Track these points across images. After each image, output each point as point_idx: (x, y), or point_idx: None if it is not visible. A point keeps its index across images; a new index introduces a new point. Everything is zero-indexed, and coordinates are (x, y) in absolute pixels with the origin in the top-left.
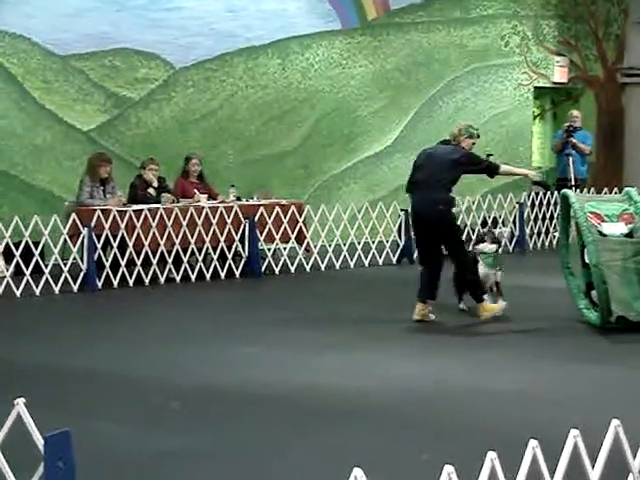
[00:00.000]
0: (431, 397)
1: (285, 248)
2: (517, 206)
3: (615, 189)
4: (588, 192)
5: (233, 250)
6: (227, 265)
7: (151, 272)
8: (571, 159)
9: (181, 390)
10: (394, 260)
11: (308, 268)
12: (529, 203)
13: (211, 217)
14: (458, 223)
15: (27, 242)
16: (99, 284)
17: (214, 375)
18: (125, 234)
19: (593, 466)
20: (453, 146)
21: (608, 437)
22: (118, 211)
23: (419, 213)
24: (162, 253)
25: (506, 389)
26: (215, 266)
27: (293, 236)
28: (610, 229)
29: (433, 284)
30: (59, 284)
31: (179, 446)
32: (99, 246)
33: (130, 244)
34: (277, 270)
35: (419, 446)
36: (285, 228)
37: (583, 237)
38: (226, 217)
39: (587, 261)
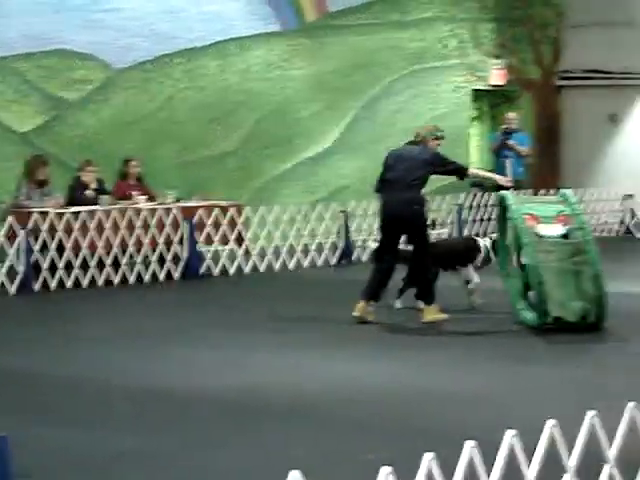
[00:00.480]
0: (372, 397)
1: (224, 250)
2: (455, 208)
3: (552, 191)
4: (525, 194)
5: (172, 252)
6: (166, 267)
7: (89, 274)
8: (508, 161)
9: (125, 392)
10: (333, 261)
11: (247, 270)
12: (467, 205)
13: (150, 219)
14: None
15: None
16: (36, 287)
17: (157, 376)
18: (63, 236)
19: (529, 465)
20: (421, 147)
21: (544, 437)
22: (56, 213)
23: (392, 212)
24: (100, 255)
25: (445, 390)
26: (154, 268)
27: (232, 238)
28: (546, 230)
29: (382, 285)
30: None
31: (127, 447)
32: (36, 248)
33: (68, 246)
34: (216, 272)
35: (362, 447)
36: (224, 230)
37: (520, 238)
38: (165, 219)
39: (524, 262)
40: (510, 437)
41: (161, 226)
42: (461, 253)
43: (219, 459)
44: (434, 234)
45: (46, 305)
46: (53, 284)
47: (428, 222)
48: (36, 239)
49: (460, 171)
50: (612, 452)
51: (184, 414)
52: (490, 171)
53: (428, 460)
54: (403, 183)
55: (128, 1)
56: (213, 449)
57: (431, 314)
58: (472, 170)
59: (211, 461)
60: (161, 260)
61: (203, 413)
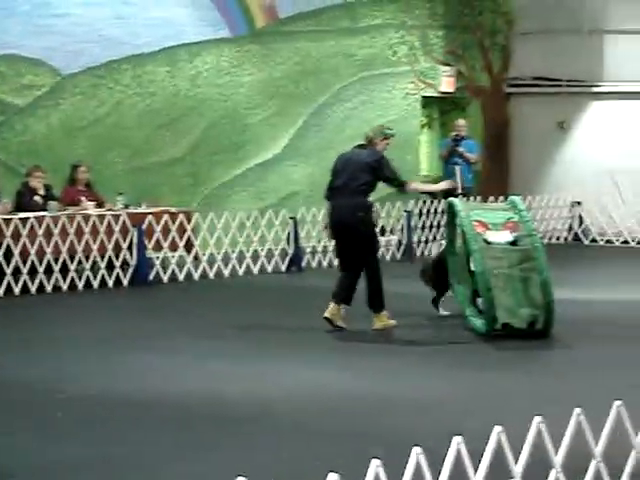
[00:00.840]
0: (319, 404)
1: (173, 256)
2: (405, 214)
3: (500, 198)
4: (474, 200)
5: (121, 258)
6: (115, 273)
7: (37, 281)
8: (458, 168)
9: (70, 399)
10: (283, 268)
11: (197, 276)
12: (416, 211)
13: (99, 225)
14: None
15: None
16: None
17: (103, 383)
18: (11, 242)
19: (476, 471)
20: (369, 150)
21: (491, 443)
22: (3, 219)
23: (337, 220)
24: (49, 261)
25: (396, 396)
26: (103, 274)
27: (182, 244)
28: (495, 237)
29: (351, 288)
30: None
31: (68, 455)
32: None
33: (16, 252)
34: (165, 278)
35: (312, 453)
36: (173, 236)
37: (469, 245)
38: (114, 225)
39: (473, 269)
40: (457, 443)
41: (110, 232)
42: None
43: (176, 466)
44: (383, 241)
45: None
46: (1, 290)
47: (376, 229)
48: None
49: (399, 184)
50: (558, 457)
51: (136, 422)
52: (439, 178)
53: (375, 466)
54: (349, 189)
55: (77, 7)
56: (169, 456)
57: (381, 321)
58: (412, 185)
59: (167, 468)
60: (110, 266)
61: (155, 421)
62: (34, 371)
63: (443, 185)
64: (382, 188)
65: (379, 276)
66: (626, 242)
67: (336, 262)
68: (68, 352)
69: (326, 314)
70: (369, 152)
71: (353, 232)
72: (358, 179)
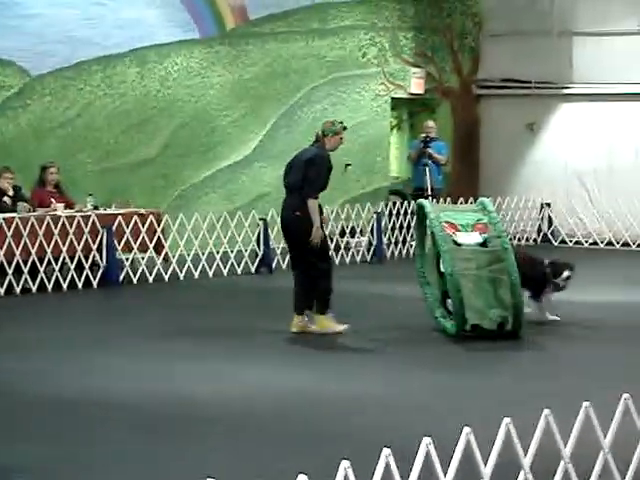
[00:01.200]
0: (289, 406)
1: (143, 257)
2: (375, 215)
3: (470, 199)
4: (444, 202)
5: (91, 259)
6: (84, 275)
7: (6, 282)
8: (427, 169)
9: (34, 400)
10: (253, 269)
11: (167, 277)
12: (386, 212)
13: (68, 226)
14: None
15: None
16: None
17: (68, 385)
18: None
19: (445, 473)
20: (316, 147)
21: (460, 444)
22: None
23: (281, 219)
24: (18, 263)
25: (365, 397)
26: (72, 276)
27: (151, 245)
28: (465, 239)
29: (305, 294)
30: None
31: (31, 457)
32: None
33: None
34: (135, 279)
35: (279, 456)
36: (143, 237)
37: (438, 246)
38: (83, 226)
39: (442, 270)
40: (426, 444)
41: (79, 233)
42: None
43: (135, 470)
44: (353, 242)
45: None
46: None
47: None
48: None
49: (305, 193)
50: (527, 459)
51: (99, 422)
52: (408, 179)
53: (344, 468)
54: (290, 188)
55: (47, 7)
56: (129, 459)
57: (324, 324)
58: (311, 203)
59: (127, 472)
60: (79, 267)
61: (120, 423)
62: None
63: (318, 231)
64: (352, 189)
65: (325, 278)
66: (595, 244)
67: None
68: (36, 353)
69: (293, 329)
70: (313, 150)
71: (291, 231)
72: (297, 178)
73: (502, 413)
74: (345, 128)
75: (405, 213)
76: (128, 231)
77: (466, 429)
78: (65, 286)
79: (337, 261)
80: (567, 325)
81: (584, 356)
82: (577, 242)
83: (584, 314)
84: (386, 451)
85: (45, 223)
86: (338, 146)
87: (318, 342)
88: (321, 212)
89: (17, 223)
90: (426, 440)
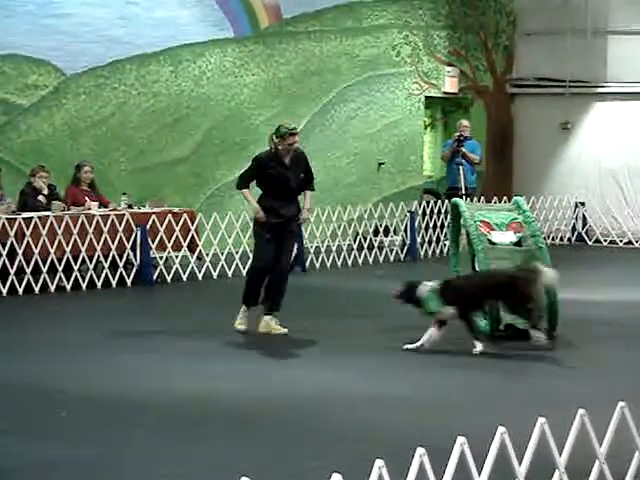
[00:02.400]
0: (319, 405)
1: (177, 256)
2: (408, 215)
3: (504, 198)
4: (478, 201)
5: (125, 258)
6: (118, 273)
7: (41, 280)
8: (461, 168)
9: (69, 399)
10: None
11: (200, 276)
12: (420, 212)
13: (102, 225)
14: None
15: None
16: None
17: (102, 384)
18: (14, 242)
19: (480, 473)
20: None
21: (494, 444)
22: (7, 219)
23: None
24: (52, 261)
25: (395, 396)
26: (106, 274)
27: (185, 244)
28: (499, 238)
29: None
30: None
31: (64, 455)
32: None
33: (20, 252)
34: (169, 278)
35: (309, 454)
36: (177, 236)
37: (473, 246)
38: (118, 225)
39: (477, 269)
40: (460, 444)
41: (113, 232)
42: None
43: (165, 469)
44: (387, 241)
45: None
46: (5, 290)
47: (256, 228)
48: None
49: (237, 183)
50: (562, 459)
51: (125, 422)
52: (442, 178)
53: (378, 467)
54: None
55: (81, 7)
56: (159, 459)
57: (269, 326)
58: (245, 192)
59: (158, 471)
60: (113, 266)
61: (149, 421)
62: (30, 371)
63: (258, 212)
64: (386, 188)
65: (251, 275)
66: (630, 243)
67: None
68: (70, 352)
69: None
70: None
71: None
72: None
73: (536, 413)
74: (292, 133)
75: (439, 212)
76: (162, 230)
77: (500, 428)
78: (99, 285)
79: (371, 260)
80: (601, 325)
81: (618, 356)
82: (611, 241)
83: (618, 314)
84: (420, 450)
85: (79, 222)
86: (287, 148)
87: (349, 342)
88: (274, 211)
89: (52, 222)
90: (460, 439)
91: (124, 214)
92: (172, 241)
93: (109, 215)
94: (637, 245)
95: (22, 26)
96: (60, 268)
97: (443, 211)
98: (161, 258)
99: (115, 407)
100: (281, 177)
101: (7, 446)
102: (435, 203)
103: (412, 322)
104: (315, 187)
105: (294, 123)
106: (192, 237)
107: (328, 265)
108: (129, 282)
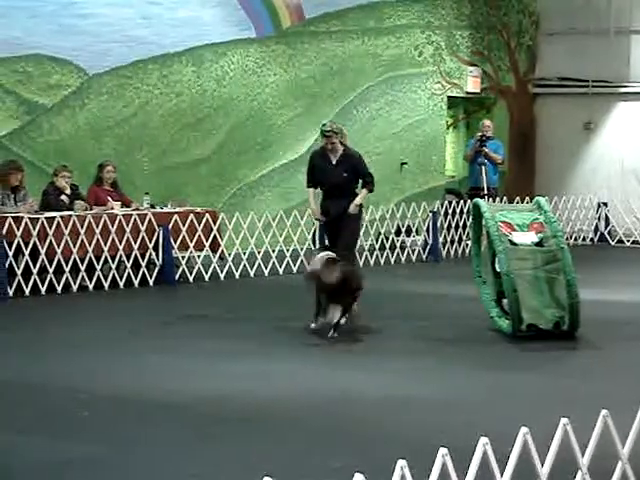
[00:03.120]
0: (339, 405)
1: (199, 256)
2: (430, 215)
3: (526, 198)
4: (500, 201)
5: (147, 258)
6: (141, 273)
7: (63, 280)
8: (483, 168)
9: (90, 398)
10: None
11: (222, 276)
12: (442, 212)
13: (125, 225)
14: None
15: None
16: (10, 292)
17: (123, 383)
18: (37, 242)
19: (502, 473)
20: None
21: (517, 444)
22: (30, 218)
23: None
24: (75, 261)
25: (418, 397)
26: (129, 274)
27: (207, 244)
28: (521, 238)
29: None
30: None
31: (85, 454)
32: (10, 254)
33: (42, 252)
34: (191, 278)
35: (330, 454)
36: (199, 236)
37: (494, 246)
38: (140, 225)
39: (498, 270)
40: (483, 444)
41: (136, 232)
42: None
43: (187, 469)
44: (409, 241)
45: (19, 311)
46: (27, 290)
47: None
48: (10, 245)
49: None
50: (585, 459)
51: (146, 422)
52: (464, 179)
53: (401, 467)
54: None
55: (103, 7)
56: (176, 457)
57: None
58: (308, 192)
59: (179, 472)
60: (136, 266)
61: (165, 421)
62: (52, 370)
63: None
64: (408, 187)
65: None
66: None
67: None
68: (92, 352)
69: None
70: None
71: None
72: None
73: (558, 413)
74: (326, 131)
75: (461, 212)
76: (184, 230)
77: (523, 429)
78: (121, 284)
79: (392, 260)
80: (623, 325)
81: None
82: (634, 242)
83: None
84: (443, 450)
85: (102, 221)
86: (326, 147)
87: (370, 342)
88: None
89: (74, 221)
90: (483, 440)
91: (146, 214)
92: (194, 241)
93: (131, 215)
94: None
95: (45, 26)
96: (82, 268)
97: (465, 211)
98: (183, 258)
99: (136, 406)
100: (325, 172)
101: (28, 445)
102: (457, 203)
103: (433, 322)
104: (374, 189)
105: (316, 123)
106: (214, 237)
107: None
108: (151, 282)
